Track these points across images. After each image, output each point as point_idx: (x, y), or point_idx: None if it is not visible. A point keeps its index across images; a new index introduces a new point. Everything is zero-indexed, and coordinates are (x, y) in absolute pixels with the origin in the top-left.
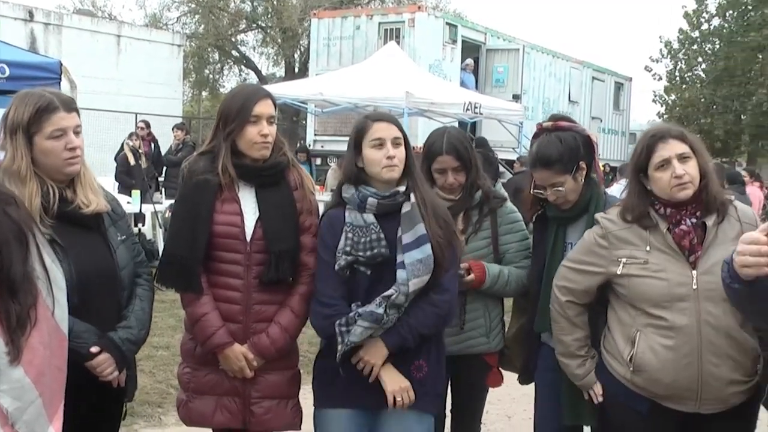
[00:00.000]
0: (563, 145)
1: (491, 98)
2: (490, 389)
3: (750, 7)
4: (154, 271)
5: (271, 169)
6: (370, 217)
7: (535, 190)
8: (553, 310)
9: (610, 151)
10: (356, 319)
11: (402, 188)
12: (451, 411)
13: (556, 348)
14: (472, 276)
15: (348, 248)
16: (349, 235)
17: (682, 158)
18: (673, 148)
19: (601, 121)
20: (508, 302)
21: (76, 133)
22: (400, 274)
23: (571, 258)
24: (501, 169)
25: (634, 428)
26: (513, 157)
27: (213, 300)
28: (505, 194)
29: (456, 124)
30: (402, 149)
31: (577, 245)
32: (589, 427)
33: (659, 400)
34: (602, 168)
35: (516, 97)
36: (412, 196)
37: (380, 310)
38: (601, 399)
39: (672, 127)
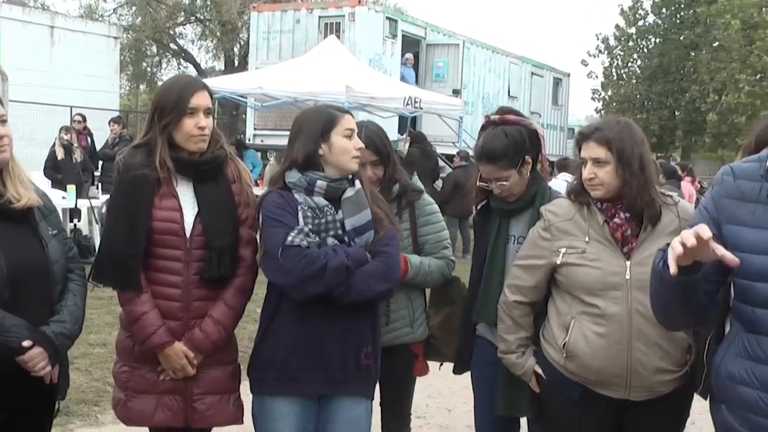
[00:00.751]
0: (508, 140)
1: (431, 93)
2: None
3: (683, 6)
4: (90, 268)
5: (210, 163)
6: (321, 200)
7: (481, 183)
8: (500, 308)
9: (549, 145)
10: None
11: (348, 175)
12: (381, 403)
13: (499, 346)
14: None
15: (311, 227)
16: (308, 213)
17: (596, 162)
18: (590, 151)
19: (540, 116)
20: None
21: (1, 122)
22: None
23: (519, 256)
24: (441, 163)
25: (567, 414)
26: (453, 151)
27: (152, 298)
28: (422, 186)
29: (396, 119)
30: None
31: (524, 243)
32: (525, 418)
33: (590, 385)
34: None
35: (456, 92)
36: (356, 182)
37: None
38: (538, 389)
39: (598, 128)
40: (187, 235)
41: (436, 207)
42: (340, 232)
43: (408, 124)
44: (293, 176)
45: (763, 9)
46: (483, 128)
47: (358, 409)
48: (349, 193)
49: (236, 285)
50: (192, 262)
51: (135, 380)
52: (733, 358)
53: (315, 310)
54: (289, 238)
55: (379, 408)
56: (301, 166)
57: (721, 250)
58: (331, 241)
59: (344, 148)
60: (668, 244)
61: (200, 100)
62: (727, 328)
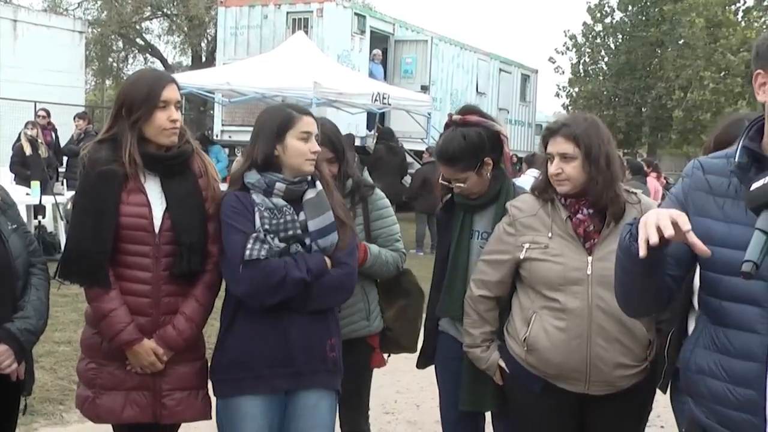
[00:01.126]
0: (466, 143)
1: (400, 89)
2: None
3: (649, 3)
4: (57, 265)
5: (178, 158)
6: (279, 201)
7: (442, 181)
8: (466, 303)
9: (517, 142)
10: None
11: (308, 177)
12: (339, 399)
13: (464, 340)
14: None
15: (267, 226)
16: (265, 214)
17: (563, 157)
18: (557, 146)
19: (508, 112)
20: None
21: None
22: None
23: (485, 251)
24: (409, 159)
25: (529, 407)
26: (422, 147)
27: (120, 294)
28: (372, 182)
29: (365, 115)
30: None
31: (490, 238)
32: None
33: (551, 379)
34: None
35: (424, 88)
36: (318, 183)
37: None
38: (501, 383)
39: (566, 124)
40: (156, 230)
41: (387, 202)
42: (299, 232)
43: (376, 120)
44: (252, 177)
45: (727, 8)
46: (446, 127)
47: (323, 405)
48: (310, 195)
49: (205, 281)
50: (161, 257)
51: (103, 377)
52: (702, 351)
53: (277, 305)
54: (247, 252)
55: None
56: (260, 167)
57: (692, 238)
58: (294, 248)
59: (299, 150)
60: (636, 219)
61: (171, 93)
62: (690, 324)
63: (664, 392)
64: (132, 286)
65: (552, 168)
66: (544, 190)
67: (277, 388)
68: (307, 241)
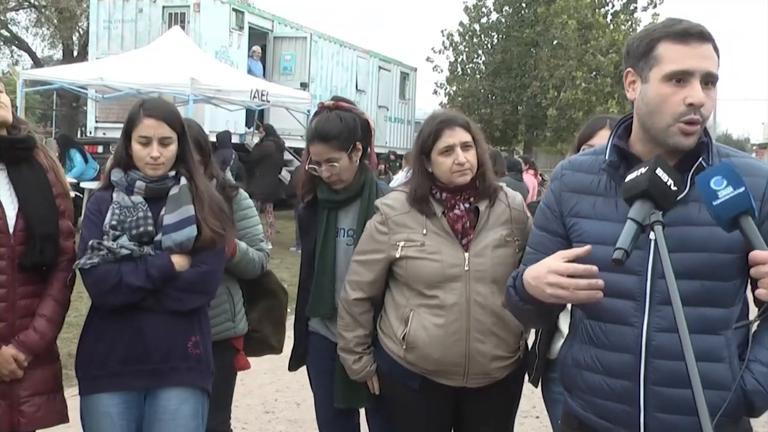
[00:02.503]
0: (342, 123)
1: (279, 86)
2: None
3: (524, 5)
4: None
5: (24, 143)
6: (137, 198)
7: (310, 166)
8: (340, 306)
9: (397, 139)
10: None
11: (172, 173)
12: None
13: (338, 342)
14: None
15: (114, 223)
16: (117, 212)
17: (465, 146)
18: (458, 135)
19: (388, 109)
20: None
21: None
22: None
23: (357, 251)
24: (288, 156)
25: (406, 402)
26: (301, 145)
27: None
28: (234, 182)
29: (243, 112)
30: (170, 147)
31: (362, 237)
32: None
33: (430, 375)
34: (388, 155)
35: (304, 86)
36: (182, 179)
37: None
38: (378, 392)
39: (458, 115)
40: (11, 231)
41: (251, 202)
42: (150, 228)
43: (256, 117)
44: (116, 175)
45: (597, 11)
46: (316, 114)
47: (185, 408)
48: (174, 190)
49: (61, 278)
50: (16, 258)
51: None
52: (579, 345)
53: (132, 304)
54: (81, 261)
55: None
56: (123, 165)
57: (581, 251)
58: (138, 251)
59: (137, 155)
60: (518, 274)
61: None
62: (561, 320)
63: (536, 386)
64: None
65: (461, 157)
66: (425, 194)
67: (133, 386)
68: (159, 236)
